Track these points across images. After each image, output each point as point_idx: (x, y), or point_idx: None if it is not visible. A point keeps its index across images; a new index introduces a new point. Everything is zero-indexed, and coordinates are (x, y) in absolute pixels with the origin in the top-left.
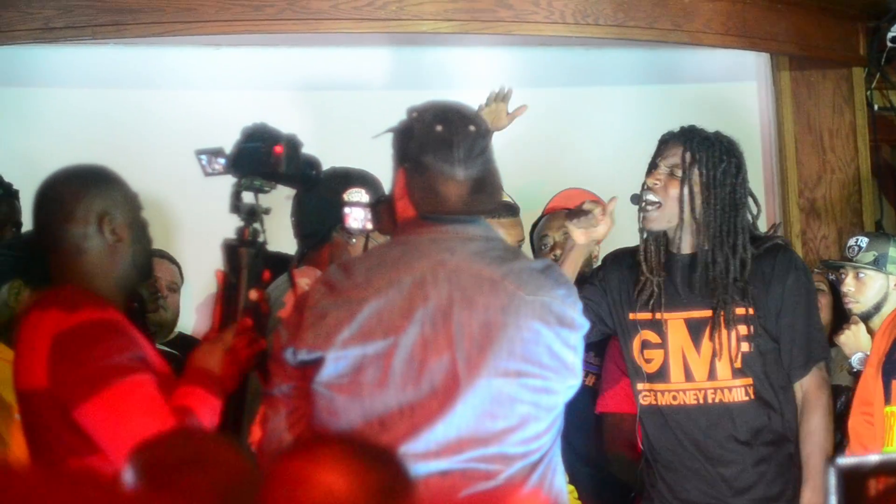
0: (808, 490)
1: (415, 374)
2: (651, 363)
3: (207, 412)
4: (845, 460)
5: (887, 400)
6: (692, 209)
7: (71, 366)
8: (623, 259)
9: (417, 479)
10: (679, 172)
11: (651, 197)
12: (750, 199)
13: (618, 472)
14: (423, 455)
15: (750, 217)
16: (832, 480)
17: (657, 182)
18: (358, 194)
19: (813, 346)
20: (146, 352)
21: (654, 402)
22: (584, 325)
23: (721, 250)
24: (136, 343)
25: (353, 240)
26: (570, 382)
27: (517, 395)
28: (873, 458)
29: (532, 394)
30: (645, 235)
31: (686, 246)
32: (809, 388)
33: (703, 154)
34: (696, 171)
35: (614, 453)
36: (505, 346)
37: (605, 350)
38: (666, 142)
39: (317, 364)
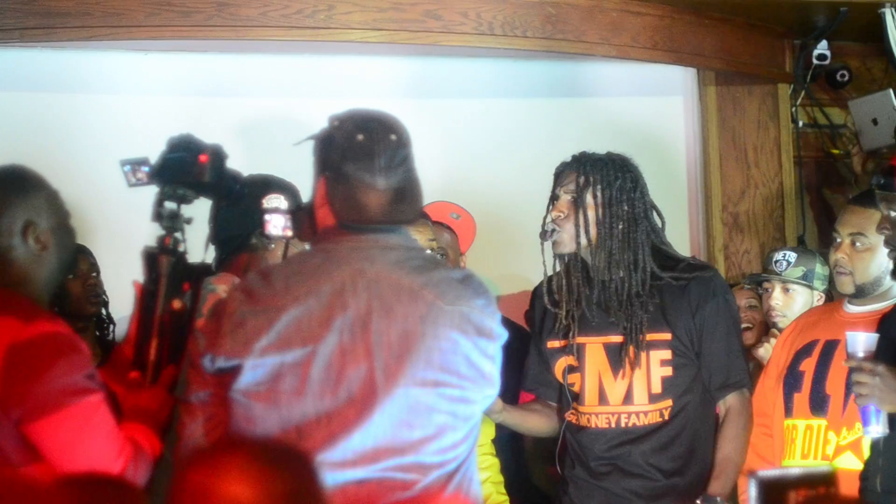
0: (716, 482)
1: (332, 383)
2: (574, 386)
3: (150, 447)
4: (767, 473)
5: (788, 413)
6: (589, 232)
7: (28, 380)
8: (541, 290)
9: (331, 487)
10: (570, 197)
11: (556, 227)
12: (653, 212)
13: (539, 483)
14: (340, 464)
15: (651, 230)
16: (753, 492)
17: (560, 213)
18: (276, 200)
19: (731, 372)
20: (93, 367)
21: (573, 421)
22: (503, 334)
23: (623, 266)
24: (87, 359)
25: (272, 246)
26: (487, 392)
27: (434, 404)
28: (794, 471)
29: (449, 403)
30: (553, 266)
31: (601, 270)
32: (731, 408)
33: (598, 175)
34: (589, 194)
35: (536, 463)
36: (423, 355)
37: None
38: (560, 172)
39: (234, 371)
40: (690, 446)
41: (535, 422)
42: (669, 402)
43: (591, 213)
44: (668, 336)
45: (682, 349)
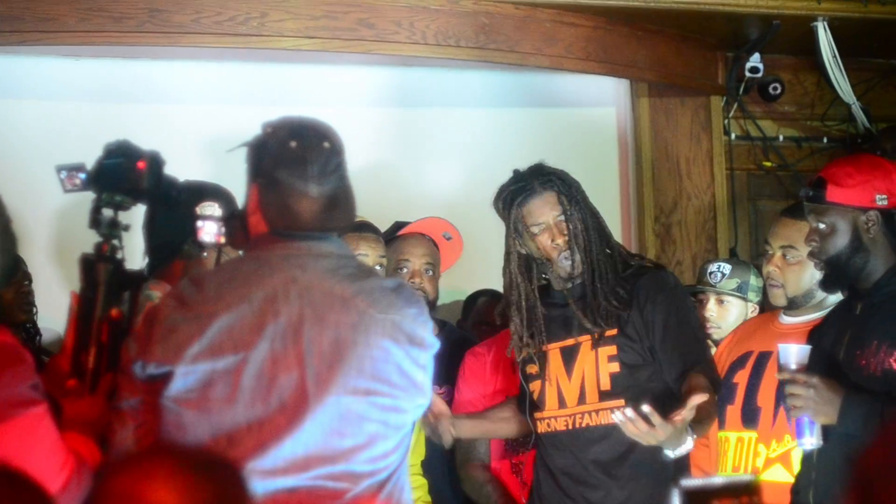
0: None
1: (264, 390)
2: (535, 394)
3: (90, 457)
4: (690, 482)
5: (721, 425)
6: (579, 244)
7: None
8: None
9: (260, 495)
10: (562, 217)
11: (565, 255)
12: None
13: (469, 491)
14: (271, 472)
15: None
16: (676, 502)
17: (562, 239)
18: (211, 208)
19: (688, 358)
20: (37, 377)
21: (540, 430)
22: (435, 344)
23: (598, 262)
24: (32, 369)
25: (205, 253)
26: (418, 401)
27: (366, 413)
28: (718, 480)
29: (381, 412)
30: (516, 278)
31: (575, 274)
32: (696, 380)
33: (568, 187)
34: (572, 208)
35: (466, 472)
36: (354, 363)
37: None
38: (532, 195)
39: (165, 378)
40: (645, 450)
41: (506, 430)
42: (621, 402)
43: (572, 226)
44: (614, 331)
45: (630, 344)
